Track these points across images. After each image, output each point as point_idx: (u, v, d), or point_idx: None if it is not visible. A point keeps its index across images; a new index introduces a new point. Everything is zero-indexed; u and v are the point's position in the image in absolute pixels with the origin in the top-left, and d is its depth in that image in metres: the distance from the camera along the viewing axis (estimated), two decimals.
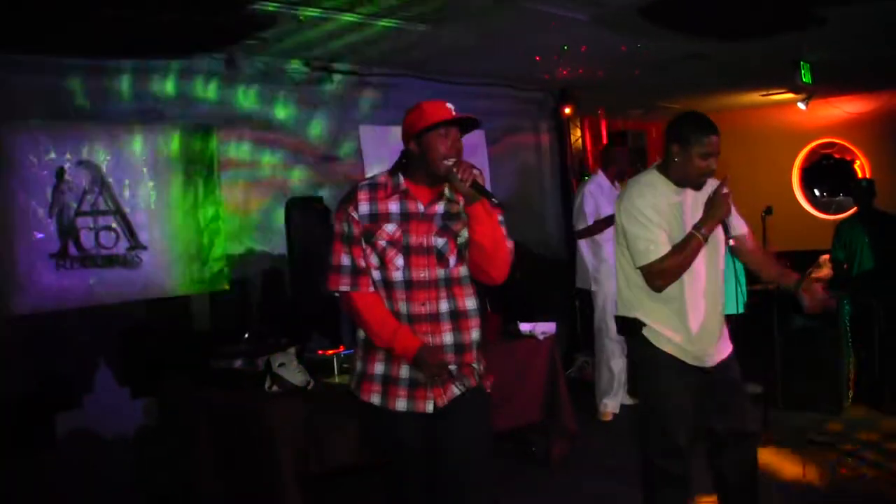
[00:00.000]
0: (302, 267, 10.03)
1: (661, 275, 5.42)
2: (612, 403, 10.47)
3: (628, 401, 10.75)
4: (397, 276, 4.95)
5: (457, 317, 5.04)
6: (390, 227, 4.93)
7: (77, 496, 8.01)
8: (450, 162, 4.82)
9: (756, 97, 15.03)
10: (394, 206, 4.95)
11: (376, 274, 4.96)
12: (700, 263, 5.62)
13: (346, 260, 4.96)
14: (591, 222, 10.34)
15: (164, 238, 9.04)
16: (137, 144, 8.96)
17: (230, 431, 7.27)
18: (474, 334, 5.10)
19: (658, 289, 5.49)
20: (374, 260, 4.96)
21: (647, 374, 5.71)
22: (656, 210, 5.49)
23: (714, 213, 5.54)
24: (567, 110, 13.45)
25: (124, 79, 8.81)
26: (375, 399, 5.02)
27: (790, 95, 14.18)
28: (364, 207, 4.95)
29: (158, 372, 8.66)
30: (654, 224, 5.44)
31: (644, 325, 5.61)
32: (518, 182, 12.82)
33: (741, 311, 10.50)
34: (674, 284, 5.51)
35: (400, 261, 4.92)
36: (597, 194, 10.43)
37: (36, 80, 8.23)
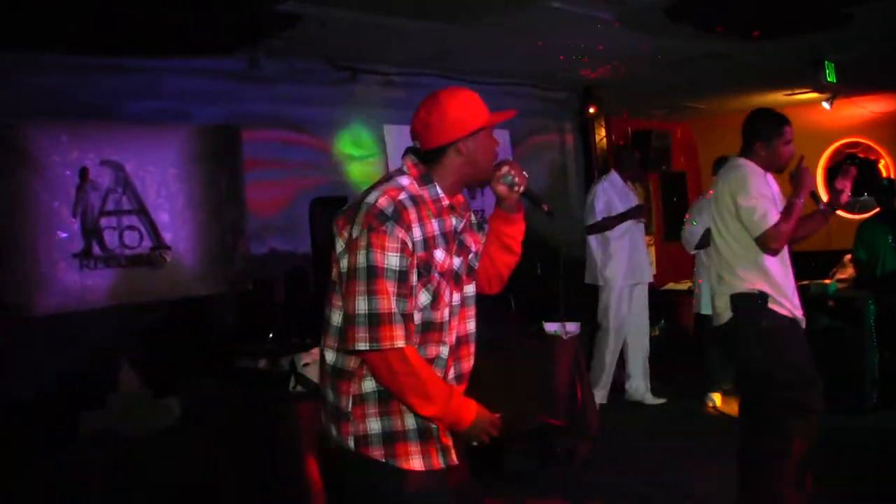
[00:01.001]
0: (326, 267, 10.02)
1: (776, 237, 6.06)
2: (601, 394, 10.55)
3: (652, 400, 10.82)
4: (446, 314, 4.08)
5: (460, 344, 4.22)
6: (440, 255, 4.02)
7: (99, 495, 8.03)
8: (500, 165, 4.24)
9: (780, 97, 14.95)
10: (436, 226, 4.01)
11: (418, 316, 3.95)
12: None
13: (397, 305, 3.83)
14: (599, 219, 10.48)
15: (187, 238, 9.05)
16: (161, 144, 8.97)
17: (253, 431, 7.28)
18: (473, 360, 4.31)
19: (774, 252, 6.18)
20: (423, 299, 3.97)
21: (777, 337, 6.27)
22: (766, 188, 6.28)
23: (803, 183, 6.32)
24: (591, 110, 13.45)
25: (148, 78, 8.82)
26: (417, 462, 3.99)
27: (814, 95, 14.13)
28: (417, 232, 3.91)
29: (182, 371, 8.67)
30: (765, 198, 6.17)
31: (769, 296, 6.20)
32: (542, 182, 12.81)
33: None
34: (780, 256, 6.29)
35: (448, 296, 4.07)
36: (609, 192, 10.67)
37: (59, 80, 8.25)
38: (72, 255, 8.31)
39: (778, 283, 6.25)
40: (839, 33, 10.02)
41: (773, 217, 6.07)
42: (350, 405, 3.98)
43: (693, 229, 10.66)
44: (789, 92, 14.47)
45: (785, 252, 6.33)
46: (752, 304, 6.23)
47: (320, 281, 9.94)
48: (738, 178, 6.30)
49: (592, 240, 10.85)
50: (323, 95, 10.18)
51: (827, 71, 11.67)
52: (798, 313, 6.37)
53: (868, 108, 15.34)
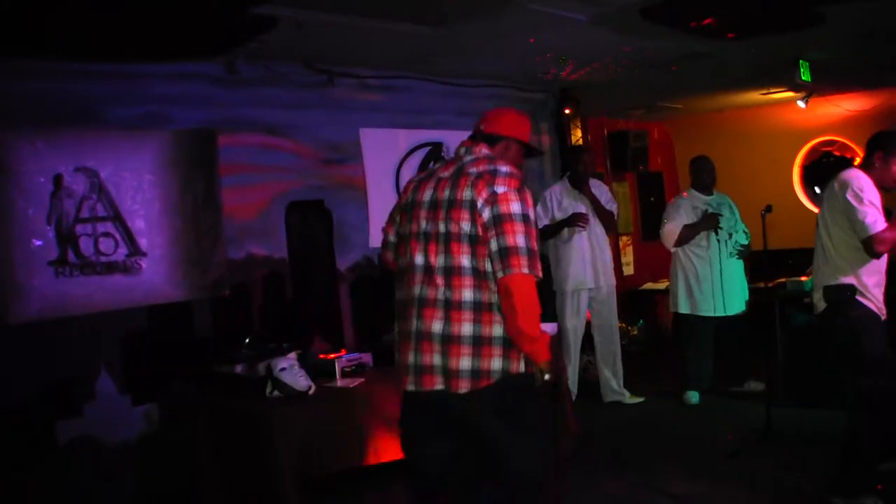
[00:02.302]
0: (303, 271, 10.02)
1: (882, 242, 6.72)
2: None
3: (630, 400, 10.88)
4: None
5: None
6: None
7: (79, 503, 8.01)
8: None
9: (756, 96, 14.99)
10: None
11: None
12: None
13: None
14: (539, 227, 10.53)
15: (163, 244, 9.01)
16: (136, 149, 8.92)
17: (232, 437, 7.27)
18: None
19: (878, 255, 6.85)
20: None
21: (864, 330, 6.97)
22: (876, 197, 6.86)
23: None
24: (567, 111, 13.43)
25: (123, 83, 8.78)
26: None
27: (790, 94, 14.16)
28: None
29: (160, 378, 8.65)
30: (874, 206, 6.79)
31: (857, 290, 6.95)
32: None
33: (743, 309, 10.53)
34: (875, 263, 6.98)
35: None
36: (550, 197, 10.82)
37: (33, 86, 8.21)
38: (47, 262, 8.26)
39: (865, 282, 6.97)
40: (813, 33, 10.04)
41: (881, 224, 6.70)
42: (492, 333, 5.07)
43: (670, 226, 10.70)
44: (765, 91, 14.51)
45: (882, 261, 7.03)
46: (841, 295, 6.98)
47: (297, 285, 9.93)
48: (855, 184, 6.86)
49: (547, 246, 11.05)
50: (299, 99, 10.15)
51: (802, 70, 11.70)
52: (882, 313, 7.09)
53: (843, 106, 15.36)
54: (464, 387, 5.05)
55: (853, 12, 9.15)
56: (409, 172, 11.24)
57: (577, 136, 13.74)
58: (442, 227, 5.16)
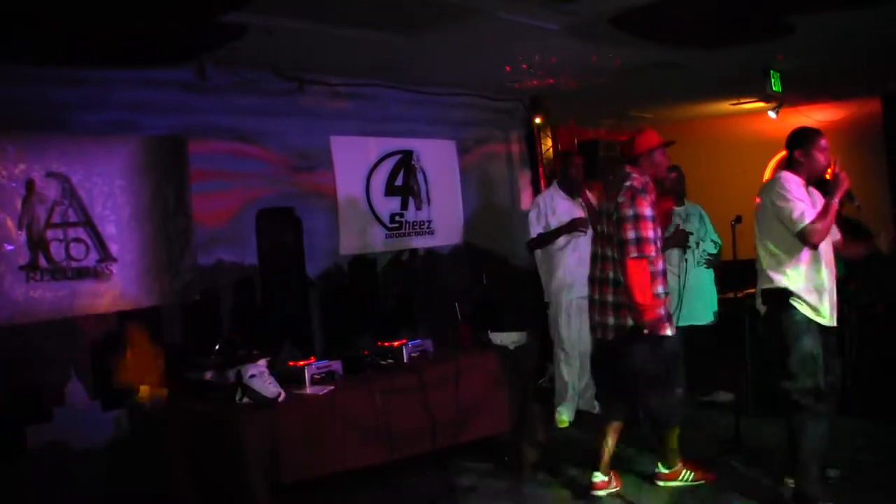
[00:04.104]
0: (273, 278, 10.00)
1: (814, 234, 6.92)
2: (566, 411, 10.45)
3: (598, 409, 10.83)
4: None
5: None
6: None
7: None
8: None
9: (726, 106, 15.05)
10: None
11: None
12: (824, 246, 7.22)
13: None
14: (533, 234, 10.38)
15: (134, 250, 8.98)
16: (108, 155, 8.90)
17: (202, 443, 7.26)
18: None
19: (813, 246, 7.06)
20: None
21: (794, 333, 7.13)
22: (801, 192, 7.13)
23: (837, 185, 7.10)
24: (537, 119, 13.42)
25: (95, 89, 8.75)
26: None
27: (760, 104, 14.19)
28: None
29: (130, 384, 8.63)
30: (802, 201, 7.03)
31: (791, 293, 7.15)
32: (489, 191, 12.81)
33: (712, 320, 10.53)
34: (816, 262, 7.17)
35: None
36: (544, 204, 10.52)
37: (4, 91, 8.16)
38: (18, 267, 8.24)
39: (803, 286, 7.17)
40: (784, 44, 10.08)
41: (810, 215, 6.92)
42: (624, 300, 7.46)
43: None
44: (735, 101, 14.57)
45: (822, 261, 7.23)
46: (776, 299, 7.26)
47: (267, 292, 9.91)
48: (777, 185, 7.19)
49: (537, 255, 10.79)
50: (269, 106, 10.13)
51: (772, 80, 11.74)
52: (820, 318, 7.18)
53: (813, 117, 15.38)
54: (610, 335, 7.64)
55: (823, 23, 9.20)
56: (379, 180, 11.24)
57: (547, 144, 13.74)
58: (608, 229, 7.62)
